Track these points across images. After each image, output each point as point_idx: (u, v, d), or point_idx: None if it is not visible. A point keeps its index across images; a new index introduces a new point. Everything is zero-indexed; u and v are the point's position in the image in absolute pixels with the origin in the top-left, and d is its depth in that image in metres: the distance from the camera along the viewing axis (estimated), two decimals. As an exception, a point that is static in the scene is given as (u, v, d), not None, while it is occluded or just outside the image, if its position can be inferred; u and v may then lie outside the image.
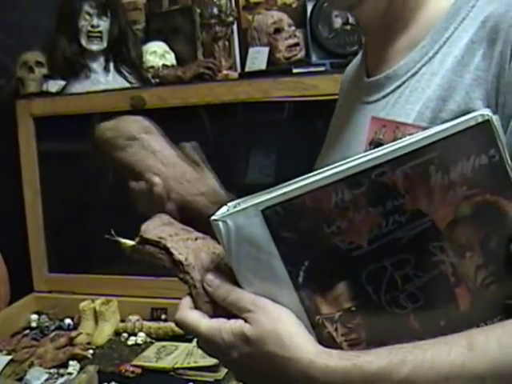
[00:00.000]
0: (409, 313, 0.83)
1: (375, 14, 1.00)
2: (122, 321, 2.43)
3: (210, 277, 0.87)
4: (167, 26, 2.66)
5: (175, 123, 2.42)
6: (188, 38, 2.63)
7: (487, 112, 0.79)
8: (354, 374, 0.80)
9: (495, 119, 0.79)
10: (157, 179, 1.12)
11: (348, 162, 0.81)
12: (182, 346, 2.19)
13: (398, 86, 0.97)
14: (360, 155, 0.82)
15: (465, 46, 0.89)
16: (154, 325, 2.34)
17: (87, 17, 2.51)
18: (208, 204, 1.15)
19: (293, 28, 2.44)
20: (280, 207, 0.82)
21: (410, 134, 0.87)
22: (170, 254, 0.89)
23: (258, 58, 2.39)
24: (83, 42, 2.53)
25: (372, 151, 0.82)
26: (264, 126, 2.43)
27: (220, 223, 0.83)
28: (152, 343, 2.28)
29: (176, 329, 2.27)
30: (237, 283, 0.86)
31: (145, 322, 2.37)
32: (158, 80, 2.45)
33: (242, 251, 0.84)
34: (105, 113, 2.49)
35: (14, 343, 2.29)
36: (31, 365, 2.11)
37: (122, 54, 2.58)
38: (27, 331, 2.46)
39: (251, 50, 2.44)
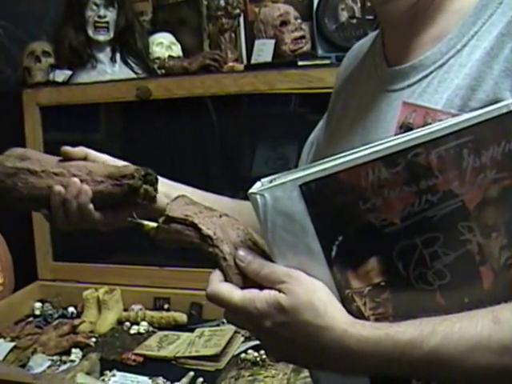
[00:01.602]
0: (435, 289, 0.86)
1: (406, 8, 1.00)
2: (125, 310, 2.45)
3: (241, 252, 0.90)
4: (174, 18, 2.66)
5: (180, 114, 2.44)
6: (194, 29, 2.63)
7: None
8: (387, 343, 0.83)
9: None
10: (56, 188, 1.13)
11: (385, 143, 0.84)
12: (184, 335, 2.20)
13: (425, 76, 0.99)
14: (396, 137, 0.86)
15: (494, 38, 0.91)
16: (156, 314, 2.35)
17: (94, 7, 2.52)
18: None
19: (299, 21, 2.44)
20: (317, 183, 0.85)
21: (440, 120, 0.90)
22: (198, 229, 0.91)
23: (263, 50, 2.39)
24: (90, 32, 2.53)
25: (408, 133, 0.85)
26: (269, 118, 2.44)
27: (258, 196, 0.86)
28: (154, 332, 2.29)
29: (178, 318, 2.29)
30: (266, 258, 0.89)
31: (148, 312, 2.38)
32: (163, 71, 2.45)
33: (277, 224, 0.87)
34: (111, 103, 2.50)
35: (18, 330, 2.30)
36: (34, 352, 2.13)
37: (129, 44, 2.58)
38: (31, 319, 2.48)
39: (257, 43, 2.44)
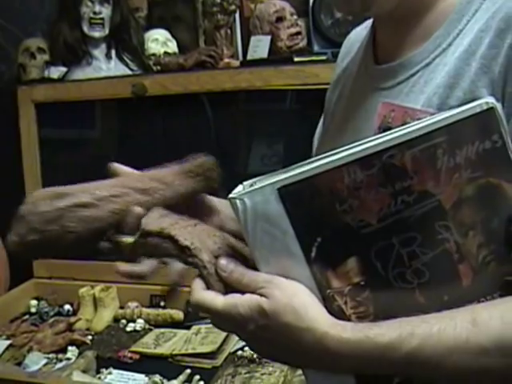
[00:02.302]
0: (415, 288, 0.88)
1: (387, 11, 1.00)
2: (121, 307, 2.44)
3: (223, 262, 0.90)
4: (169, 14, 2.66)
5: (176, 111, 2.43)
6: (190, 25, 2.63)
7: (492, 100, 0.83)
8: (367, 345, 0.84)
9: (499, 107, 0.83)
10: (136, 209, 1.02)
11: (360, 145, 0.85)
12: (181, 332, 2.20)
13: (412, 75, 0.99)
14: (371, 138, 0.86)
15: (474, 35, 0.91)
16: (152, 311, 2.35)
17: (89, 3, 2.51)
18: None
19: (295, 17, 2.43)
20: (295, 186, 0.86)
21: (419, 119, 0.90)
22: (175, 241, 0.91)
23: (259, 46, 2.38)
24: (85, 28, 2.52)
25: (383, 134, 0.86)
26: (265, 114, 2.44)
27: (237, 201, 0.87)
28: (150, 330, 2.29)
29: (175, 316, 2.28)
30: (245, 261, 0.91)
31: (144, 309, 2.38)
32: (159, 67, 2.45)
33: (258, 228, 0.88)
34: (106, 100, 2.50)
35: (14, 328, 2.30)
36: (30, 350, 2.12)
37: (124, 41, 2.58)
38: (27, 316, 2.47)
39: (253, 39, 2.43)
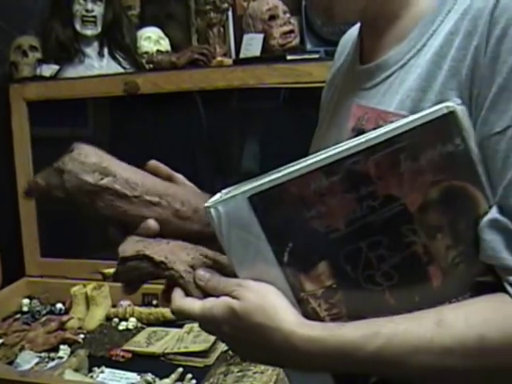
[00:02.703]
0: (384, 289, 0.90)
1: (351, 15, 1.04)
2: (114, 306, 2.44)
3: (201, 272, 0.96)
4: (162, 12, 2.65)
5: (169, 109, 2.43)
6: (183, 24, 2.63)
7: (452, 104, 0.86)
8: (331, 344, 0.87)
9: (460, 110, 0.85)
10: (152, 224, 1.03)
11: (326, 152, 0.88)
12: (173, 331, 2.19)
13: (388, 76, 1.00)
14: (337, 145, 0.88)
15: (444, 36, 0.92)
16: (145, 310, 2.35)
17: (81, 1, 2.50)
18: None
19: (288, 15, 2.43)
20: (265, 194, 0.90)
21: (391, 122, 0.91)
22: (151, 258, 0.97)
23: (252, 44, 2.38)
24: (77, 26, 2.52)
25: (347, 142, 0.88)
26: (258, 113, 2.43)
27: (212, 209, 0.92)
28: (143, 328, 2.28)
29: (167, 314, 2.28)
30: (220, 268, 0.97)
31: (136, 308, 2.37)
32: (152, 65, 2.44)
33: (232, 234, 0.92)
34: (98, 98, 2.49)
35: (5, 327, 2.29)
36: (22, 348, 2.12)
37: (117, 39, 2.57)
38: (18, 315, 2.46)
39: (246, 37, 2.43)
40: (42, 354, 2.09)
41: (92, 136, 2.67)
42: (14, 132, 2.62)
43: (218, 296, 0.94)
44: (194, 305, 0.95)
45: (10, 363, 2.04)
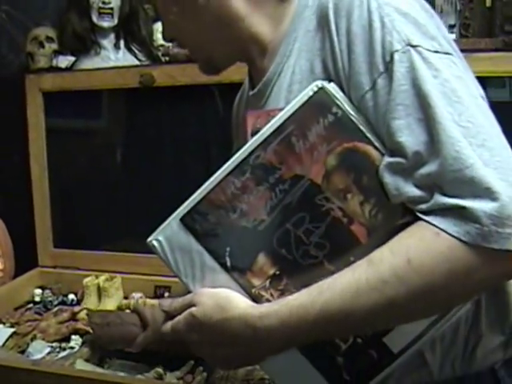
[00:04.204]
0: (322, 260, 1.01)
1: (230, 61, 1.25)
2: (126, 297, 2.44)
3: (161, 302, 1.16)
4: (179, 5, 2.64)
5: (184, 102, 2.43)
6: (199, 17, 2.62)
7: (319, 82, 0.99)
8: (283, 312, 0.97)
9: (327, 85, 0.99)
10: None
11: (231, 158, 1.02)
12: (185, 324, 2.18)
13: (272, 87, 1.15)
14: (240, 150, 1.02)
15: (303, 35, 1.08)
16: (157, 302, 2.34)
17: (98, -7, 2.50)
18: None
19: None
20: (192, 212, 1.04)
21: None
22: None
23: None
24: (94, 18, 2.51)
25: (245, 144, 1.02)
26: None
27: (154, 242, 1.07)
28: (154, 320, 2.27)
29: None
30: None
31: (148, 300, 2.37)
32: (167, 58, 2.43)
33: (177, 257, 1.06)
34: (114, 90, 2.49)
35: (18, 316, 2.30)
36: (34, 338, 2.12)
37: (133, 31, 2.56)
38: (31, 305, 2.47)
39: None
40: (54, 344, 2.09)
41: (106, 128, 2.67)
42: (29, 122, 2.63)
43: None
44: (167, 326, 1.12)
45: (22, 352, 2.04)
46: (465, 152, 0.87)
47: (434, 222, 0.90)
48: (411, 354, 1.03)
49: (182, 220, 1.05)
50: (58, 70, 2.56)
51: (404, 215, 0.95)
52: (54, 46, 2.58)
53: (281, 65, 1.12)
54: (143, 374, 1.81)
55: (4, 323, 2.26)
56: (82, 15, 2.52)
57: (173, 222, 1.05)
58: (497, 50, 2.02)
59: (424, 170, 0.91)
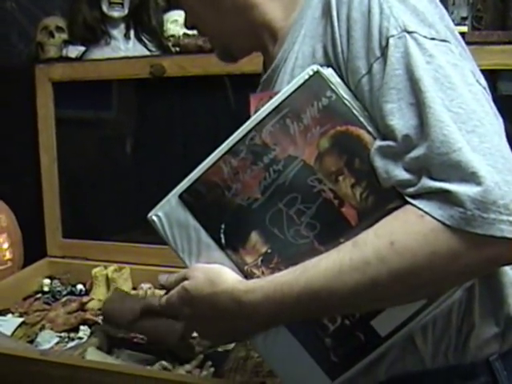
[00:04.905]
0: (312, 240, 1.04)
1: (247, 53, 1.31)
2: (134, 288, 2.44)
3: (160, 277, 1.21)
4: (189, -5, 2.63)
5: (195, 92, 2.42)
6: (210, 7, 2.60)
7: (315, 66, 1.02)
8: (269, 288, 1.00)
9: (323, 69, 1.02)
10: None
11: (228, 138, 1.06)
12: (193, 315, 2.18)
13: (279, 71, 1.18)
14: (238, 130, 1.06)
15: (311, 21, 1.10)
16: (166, 294, 2.34)
17: (109, -17, 2.49)
18: None
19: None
20: (190, 189, 1.09)
21: None
22: None
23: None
24: (104, 8, 2.50)
25: (243, 125, 1.06)
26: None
27: (154, 217, 1.13)
28: (163, 311, 2.27)
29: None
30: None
31: (157, 291, 2.36)
32: (178, 49, 2.43)
33: (175, 233, 1.11)
34: (124, 80, 2.49)
35: (26, 306, 2.31)
36: (42, 328, 2.13)
37: (143, 21, 2.55)
38: (39, 295, 2.47)
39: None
40: (62, 334, 2.10)
41: (116, 118, 2.67)
42: (39, 112, 2.63)
43: None
44: (162, 300, 1.17)
45: (31, 342, 2.05)
46: (453, 136, 0.89)
47: (420, 205, 0.91)
48: (399, 338, 1.04)
49: (181, 197, 1.10)
50: (68, 60, 2.56)
51: (395, 199, 0.96)
52: (64, 35, 2.58)
53: (287, 51, 1.15)
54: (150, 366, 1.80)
55: (13, 313, 2.27)
56: (93, 5, 2.51)
57: (172, 199, 1.11)
58: (510, 42, 2.00)
59: (413, 154, 0.92)
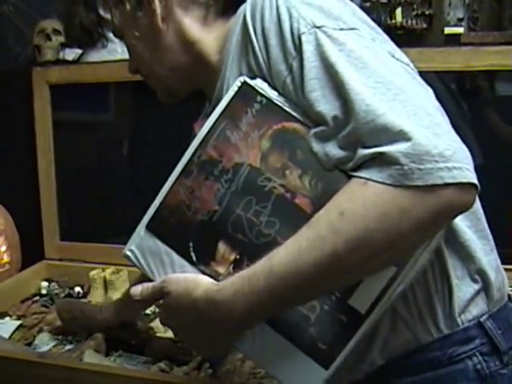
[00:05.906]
0: (275, 236, 1.07)
1: (187, 91, 1.42)
2: (132, 290, 2.43)
3: (132, 292, 1.23)
4: None
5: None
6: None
7: (242, 78, 1.11)
8: (236, 281, 1.03)
9: (249, 79, 1.10)
10: None
11: (179, 162, 1.13)
12: (191, 317, 2.18)
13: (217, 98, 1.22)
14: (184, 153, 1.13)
15: (235, 45, 1.18)
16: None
17: (106, -15, 2.49)
18: None
19: None
20: (154, 218, 1.16)
21: None
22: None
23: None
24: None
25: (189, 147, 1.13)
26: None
27: (128, 252, 1.21)
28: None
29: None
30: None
31: (154, 292, 2.36)
32: (174, 51, 2.43)
33: (150, 262, 1.18)
34: (121, 82, 2.49)
35: (24, 309, 2.31)
36: (40, 330, 2.13)
37: (140, 24, 2.55)
38: (37, 298, 2.47)
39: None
40: (60, 337, 2.09)
41: (113, 121, 2.67)
42: (36, 115, 2.63)
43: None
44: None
45: (29, 345, 2.05)
46: (375, 104, 0.94)
47: (361, 174, 0.95)
48: (380, 311, 1.05)
49: (148, 227, 1.16)
50: (65, 62, 2.57)
51: (342, 179, 1.00)
52: (61, 38, 2.58)
53: (223, 79, 1.22)
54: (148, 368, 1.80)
55: (11, 316, 2.27)
56: (89, 8, 2.51)
57: (140, 231, 1.18)
58: (505, 43, 2.01)
59: (345, 131, 0.98)
